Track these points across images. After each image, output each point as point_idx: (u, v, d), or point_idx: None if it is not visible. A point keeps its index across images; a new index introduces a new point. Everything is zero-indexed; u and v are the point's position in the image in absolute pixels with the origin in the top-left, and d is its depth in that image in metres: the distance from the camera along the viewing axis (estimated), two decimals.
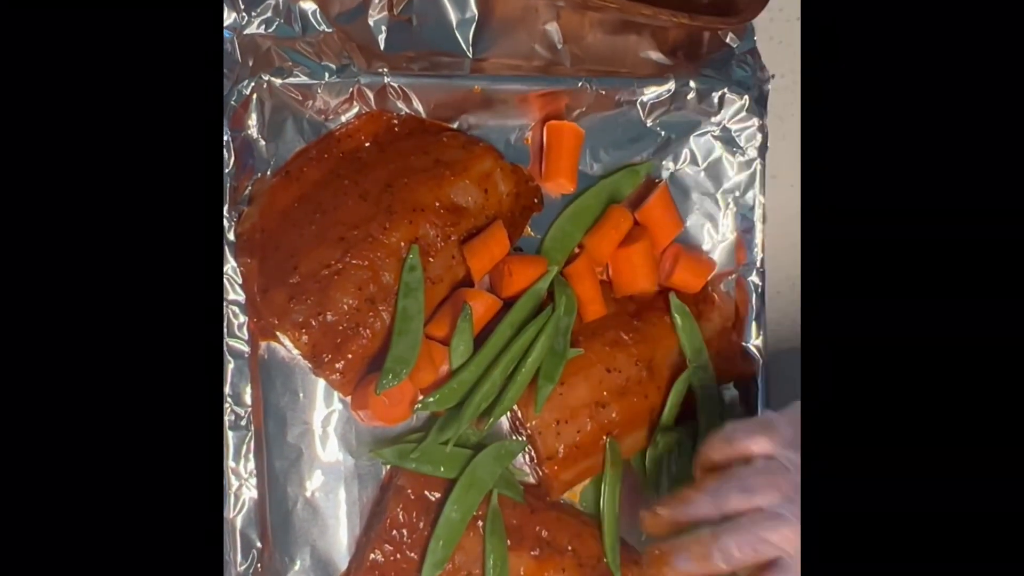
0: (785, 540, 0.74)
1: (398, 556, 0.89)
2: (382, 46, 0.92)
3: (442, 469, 0.90)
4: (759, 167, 0.98)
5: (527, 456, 0.95)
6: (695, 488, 0.79)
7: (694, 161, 0.99)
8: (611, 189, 0.97)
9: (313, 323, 0.87)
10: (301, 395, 0.92)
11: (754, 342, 0.97)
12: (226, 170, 0.87)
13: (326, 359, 0.88)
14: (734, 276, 0.98)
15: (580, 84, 0.94)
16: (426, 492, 0.90)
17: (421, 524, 0.89)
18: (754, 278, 0.97)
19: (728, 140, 0.98)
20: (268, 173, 0.91)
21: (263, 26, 0.89)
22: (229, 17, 0.88)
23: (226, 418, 0.86)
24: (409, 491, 0.90)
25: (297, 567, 0.90)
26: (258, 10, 0.89)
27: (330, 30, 0.90)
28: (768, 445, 0.78)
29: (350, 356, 0.88)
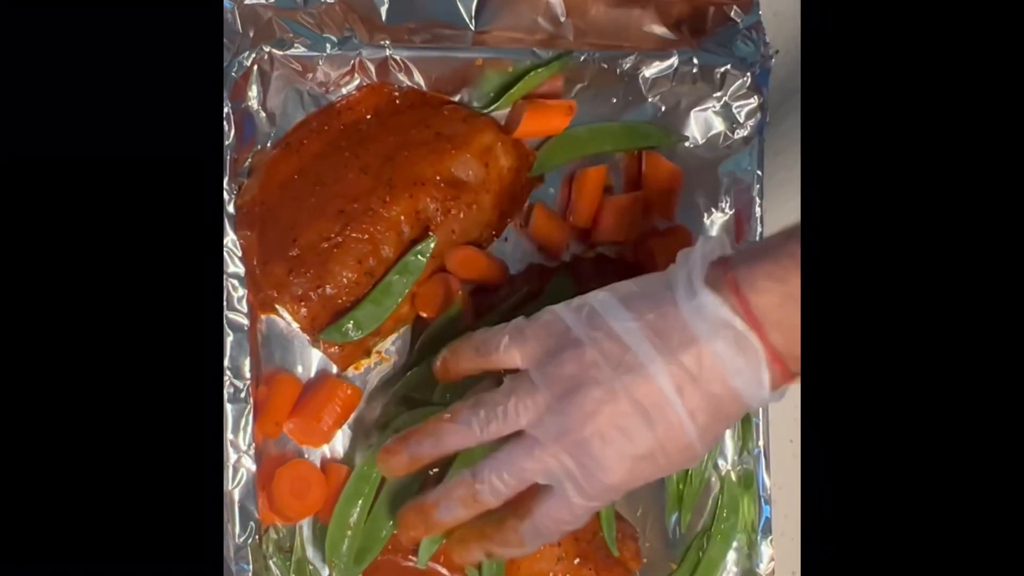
0: (544, 463, 0.72)
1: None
2: (384, 17, 0.91)
3: None
4: (758, 143, 0.97)
5: None
6: (450, 420, 0.76)
7: (693, 136, 0.99)
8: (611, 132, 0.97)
9: (312, 296, 0.87)
10: (300, 368, 0.92)
11: None
12: (226, 142, 0.87)
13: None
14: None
15: (583, 58, 0.93)
16: (427, 472, 0.90)
17: None
18: None
19: (728, 116, 0.98)
20: (268, 145, 0.91)
21: None
22: None
23: (225, 391, 0.86)
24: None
25: (297, 539, 0.91)
26: None
27: (332, 1, 0.89)
28: (519, 359, 0.75)
29: None
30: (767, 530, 0.96)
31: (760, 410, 0.96)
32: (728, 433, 0.97)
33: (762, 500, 0.96)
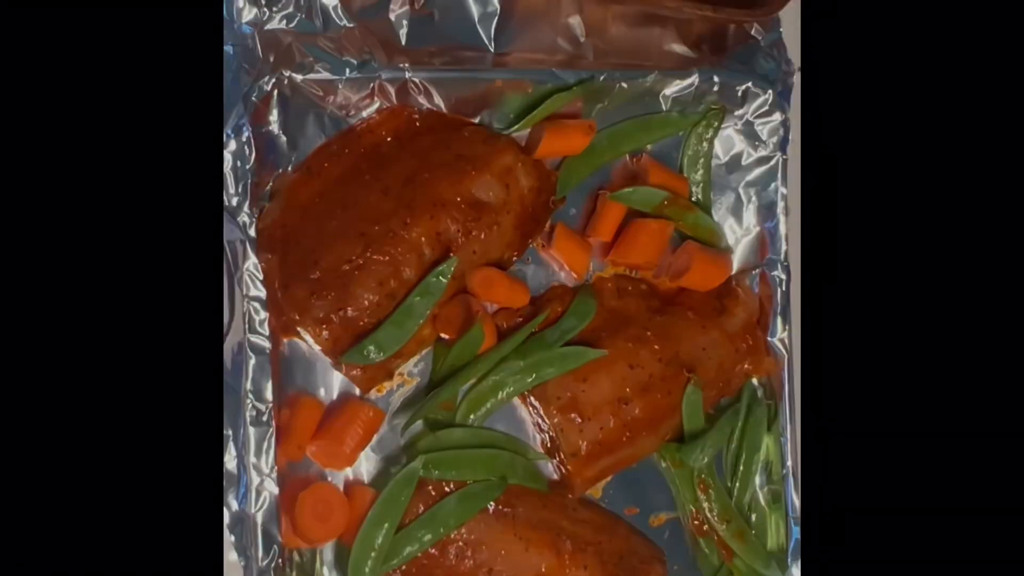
0: None
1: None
2: (403, 41, 0.92)
3: (454, 472, 0.90)
4: (780, 160, 0.97)
5: (547, 450, 0.94)
6: None
7: (716, 155, 0.98)
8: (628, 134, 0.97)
9: (334, 318, 0.87)
10: (322, 390, 0.92)
11: (779, 336, 0.96)
12: (247, 166, 0.87)
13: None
14: (758, 271, 0.97)
15: (602, 77, 0.93)
16: (447, 489, 0.90)
17: None
18: (779, 272, 0.96)
19: (750, 134, 0.97)
20: (289, 169, 0.91)
21: (284, 21, 0.89)
22: (250, 13, 0.88)
23: (248, 414, 0.86)
24: (430, 488, 0.90)
25: (319, 562, 0.90)
26: (279, 5, 0.89)
27: (351, 25, 0.90)
28: None
29: None
30: (797, 552, 0.94)
31: (788, 431, 0.95)
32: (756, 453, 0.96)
33: (791, 521, 0.94)
